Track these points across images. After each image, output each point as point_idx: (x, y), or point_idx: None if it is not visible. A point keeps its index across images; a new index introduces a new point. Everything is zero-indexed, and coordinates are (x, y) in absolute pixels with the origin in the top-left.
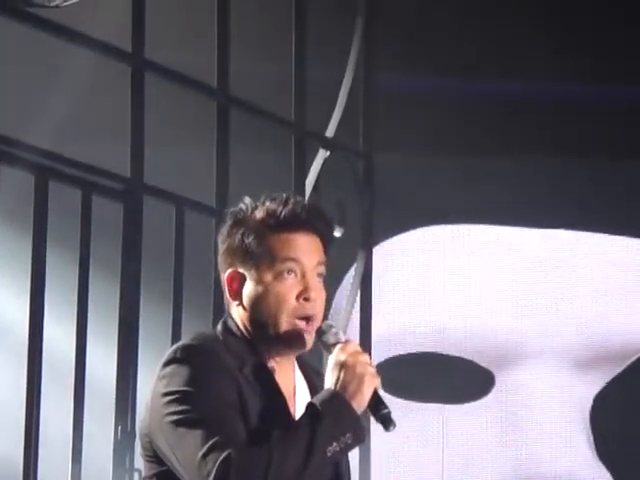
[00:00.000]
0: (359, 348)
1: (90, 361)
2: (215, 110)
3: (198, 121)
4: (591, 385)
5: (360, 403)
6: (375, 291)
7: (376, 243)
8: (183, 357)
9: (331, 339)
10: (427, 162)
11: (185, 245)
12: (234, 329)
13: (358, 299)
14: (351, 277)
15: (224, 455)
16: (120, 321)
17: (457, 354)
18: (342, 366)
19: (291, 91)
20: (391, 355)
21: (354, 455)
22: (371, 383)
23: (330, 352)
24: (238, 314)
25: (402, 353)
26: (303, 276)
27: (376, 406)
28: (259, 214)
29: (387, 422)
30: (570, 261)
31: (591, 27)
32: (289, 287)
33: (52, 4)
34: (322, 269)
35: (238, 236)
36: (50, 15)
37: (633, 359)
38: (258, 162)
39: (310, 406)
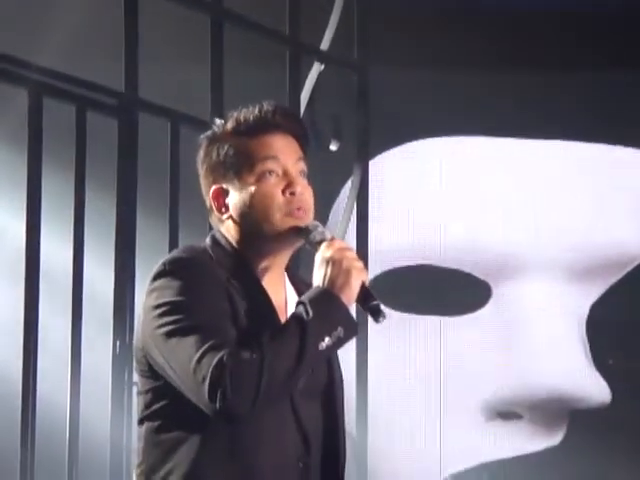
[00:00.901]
0: (345, 244)
1: (88, 276)
2: (209, 24)
3: (193, 37)
4: (588, 295)
5: (349, 297)
6: (371, 204)
7: (372, 156)
8: (172, 269)
9: (317, 237)
10: (423, 75)
11: (180, 160)
12: (222, 242)
13: (354, 213)
14: (347, 191)
15: (217, 358)
16: (117, 236)
17: (454, 267)
18: (328, 262)
19: (285, 4)
20: (388, 268)
21: (351, 367)
22: (358, 276)
23: (317, 250)
24: (228, 228)
25: (398, 266)
26: (285, 173)
27: (365, 299)
28: (230, 125)
29: (377, 313)
30: (565, 172)
31: None
32: (273, 185)
33: None
34: (303, 165)
35: (214, 152)
36: None
37: (629, 268)
38: (253, 77)
39: (299, 304)
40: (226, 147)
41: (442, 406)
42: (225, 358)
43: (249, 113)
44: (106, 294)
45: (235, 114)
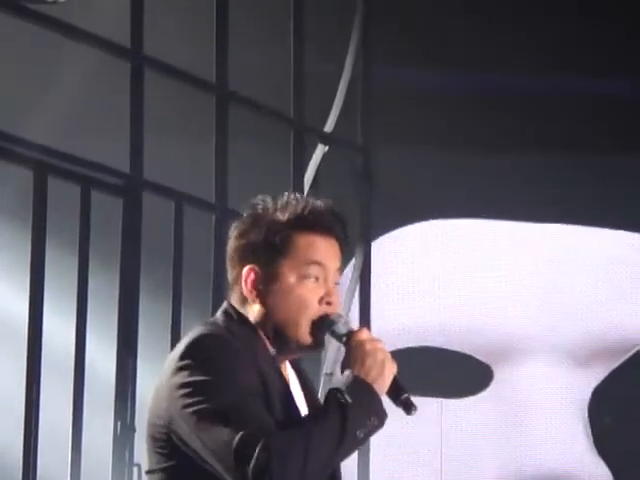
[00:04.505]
0: (372, 335)
1: (90, 356)
2: (214, 105)
3: (198, 117)
4: (589, 379)
5: (381, 388)
6: (374, 286)
7: (375, 238)
8: (202, 347)
9: (342, 329)
10: (426, 157)
11: (184, 240)
12: (235, 317)
13: (357, 294)
14: (350, 272)
15: (262, 443)
16: (119, 316)
17: (456, 349)
18: (363, 352)
19: (290, 86)
20: (389, 349)
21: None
22: (392, 369)
23: (341, 342)
24: (252, 310)
25: (400, 347)
26: (325, 280)
27: (397, 392)
28: (284, 213)
29: (408, 407)
30: (568, 256)
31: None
32: (311, 291)
33: (50, 0)
34: (339, 277)
35: (262, 234)
36: (50, 11)
37: (631, 353)
38: (257, 157)
39: (336, 391)
40: (277, 236)
41: None
42: (270, 443)
43: (307, 209)
44: (107, 374)
45: (292, 204)
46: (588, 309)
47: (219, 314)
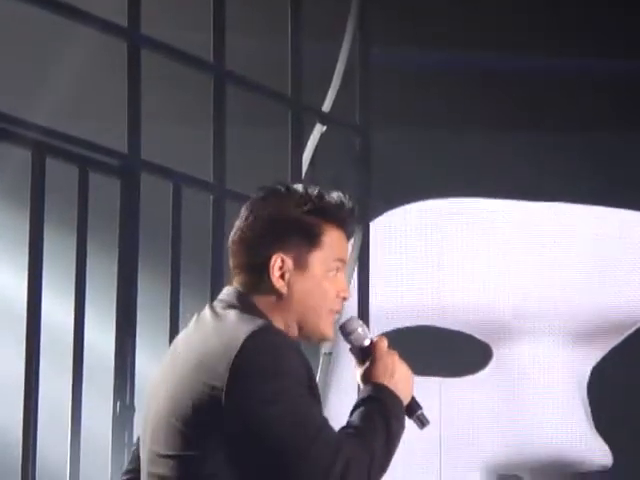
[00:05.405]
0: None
1: (88, 336)
2: (211, 85)
3: (195, 97)
4: (588, 358)
5: (405, 401)
6: (372, 266)
7: (373, 218)
8: (263, 342)
9: (363, 337)
10: (424, 136)
11: (182, 220)
12: (254, 305)
13: (355, 274)
14: (348, 252)
15: (342, 455)
16: (118, 296)
17: (455, 328)
18: (393, 364)
19: (287, 66)
20: (388, 329)
21: None
22: (413, 384)
23: (355, 348)
24: (274, 298)
25: (399, 327)
26: (341, 273)
27: (413, 408)
28: (317, 206)
29: (423, 422)
30: (567, 234)
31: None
32: (333, 284)
33: None
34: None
35: (294, 223)
36: None
37: (630, 331)
38: (255, 137)
39: (378, 403)
40: (312, 228)
41: (442, 468)
42: (349, 459)
43: (336, 202)
44: (107, 354)
45: (323, 196)
46: (588, 287)
47: (235, 300)
